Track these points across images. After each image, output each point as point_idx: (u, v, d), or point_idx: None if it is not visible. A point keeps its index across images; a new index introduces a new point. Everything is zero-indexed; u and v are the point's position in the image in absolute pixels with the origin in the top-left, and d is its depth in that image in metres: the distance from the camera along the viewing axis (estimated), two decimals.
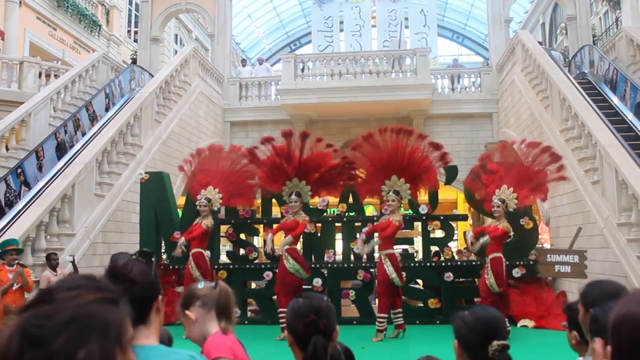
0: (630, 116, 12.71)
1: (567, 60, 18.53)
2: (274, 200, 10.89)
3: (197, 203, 9.41)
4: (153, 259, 1.93)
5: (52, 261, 9.40)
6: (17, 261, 8.50)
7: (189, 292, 2.35)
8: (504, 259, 8.72)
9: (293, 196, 9.05)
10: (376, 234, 9.02)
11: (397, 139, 9.11)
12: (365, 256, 10.35)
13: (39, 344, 0.93)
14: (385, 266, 8.59)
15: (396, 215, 8.78)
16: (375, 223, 9.58)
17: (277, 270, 10.02)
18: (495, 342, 2.31)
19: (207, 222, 9.25)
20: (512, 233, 9.66)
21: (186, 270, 9.24)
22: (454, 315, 2.42)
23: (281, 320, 8.49)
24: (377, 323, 8.61)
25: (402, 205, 9.28)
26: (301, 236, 9.54)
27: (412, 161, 9.14)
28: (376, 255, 9.63)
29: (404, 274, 8.97)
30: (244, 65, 21.52)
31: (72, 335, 0.95)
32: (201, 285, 2.30)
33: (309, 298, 2.38)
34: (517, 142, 9.96)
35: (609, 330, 1.47)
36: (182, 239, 9.41)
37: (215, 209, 9.51)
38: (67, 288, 1.04)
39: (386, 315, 8.65)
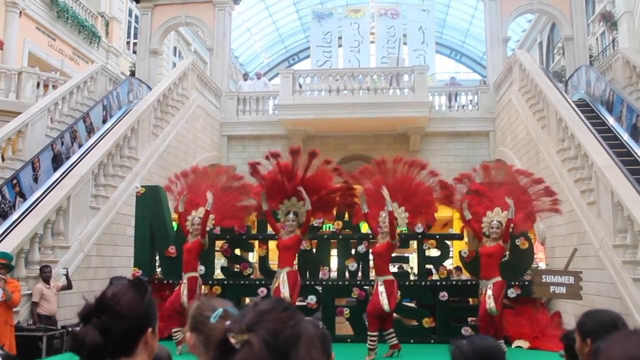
0: (626, 137, 12.76)
1: (563, 80, 18.63)
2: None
3: (189, 223, 9.29)
4: (149, 288, 1.86)
5: (44, 274, 9.37)
6: (1, 276, 8.31)
7: (199, 317, 2.21)
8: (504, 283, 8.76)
9: (290, 215, 8.98)
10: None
11: (408, 170, 9.16)
12: (360, 273, 10.34)
13: (284, 356, 1.27)
14: (379, 292, 8.54)
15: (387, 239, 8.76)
16: (371, 240, 9.56)
17: (270, 286, 10.02)
18: None
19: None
20: (507, 252, 9.67)
21: (177, 289, 9.15)
22: (451, 344, 2.42)
23: None
24: (368, 342, 8.57)
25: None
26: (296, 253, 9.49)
27: (416, 193, 9.18)
28: (372, 273, 9.61)
29: (398, 294, 8.92)
30: (245, 80, 21.57)
31: (305, 348, 1.31)
32: (214, 318, 2.12)
33: None
34: (510, 165, 10.02)
35: None
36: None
37: (208, 229, 9.43)
38: (282, 309, 1.36)
39: (376, 334, 8.61)
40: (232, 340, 1.32)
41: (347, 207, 9.79)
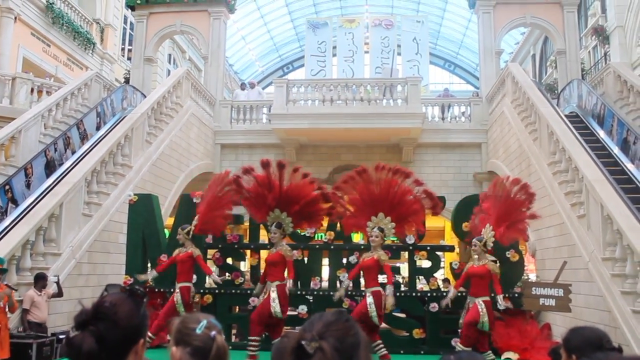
0: (616, 150, 12.86)
1: (556, 92, 18.78)
2: (261, 226, 10.88)
3: (180, 235, 9.33)
4: (145, 300, 1.90)
5: (45, 281, 9.40)
6: (5, 282, 8.54)
7: (184, 330, 2.24)
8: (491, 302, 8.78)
9: (273, 227, 8.98)
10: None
11: (392, 178, 9.11)
12: (351, 284, 10.34)
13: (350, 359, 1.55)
14: (367, 303, 8.54)
15: (378, 252, 8.75)
16: (362, 250, 9.57)
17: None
18: None
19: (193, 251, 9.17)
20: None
21: (172, 299, 9.13)
22: (440, 358, 2.45)
23: (249, 348, 8.54)
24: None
25: (384, 242, 9.22)
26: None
27: (402, 202, 9.10)
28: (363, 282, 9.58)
29: (391, 305, 8.93)
30: (242, 89, 21.61)
31: (365, 351, 1.59)
32: (200, 329, 2.15)
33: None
34: (505, 177, 9.96)
35: None
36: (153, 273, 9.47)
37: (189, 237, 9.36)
38: (345, 320, 1.63)
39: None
40: (307, 347, 1.52)
41: (327, 215, 9.76)
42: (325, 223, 10.53)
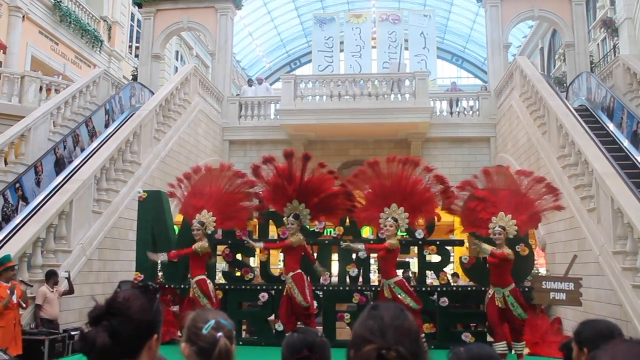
0: (626, 143, 12.80)
1: (564, 86, 18.68)
2: (270, 221, 10.90)
3: (192, 227, 9.39)
4: (158, 295, 1.91)
5: (56, 278, 9.48)
6: (20, 279, 8.65)
7: (193, 329, 2.26)
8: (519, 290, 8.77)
9: (290, 218, 9.07)
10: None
11: (403, 169, 9.13)
12: (361, 279, 10.36)
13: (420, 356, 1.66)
14: (397, 294, 8.58)
15: (392, 240, 8.77)
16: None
17: (273, 292, 10.05)
18: None
19: (197, 245, 9.21)
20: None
21: (189, 296, 9.18)
22: (449, 351, 2.46)
23: None
24: None
25: (398, 231, 9.27)
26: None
27: (414, 191, 9.12)
28: (373, 277, 9.61)
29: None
30: (250, 85, 21.62)
31: (418, 344, 1.67)
32: (206, 330, 2.17)
33: (303, 333, 2.40)
34: (510, 169, 9.94)
35: None
36: (164, 256, 9.46)
37: (209, 232, 9.47)
38: (403, 313, 1.72)
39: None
40: (388, 357, 1.60)
41: (347, 211, 9.82)
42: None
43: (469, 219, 9.37)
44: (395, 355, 1.61)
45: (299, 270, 8.98)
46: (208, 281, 9.23)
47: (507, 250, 8.68)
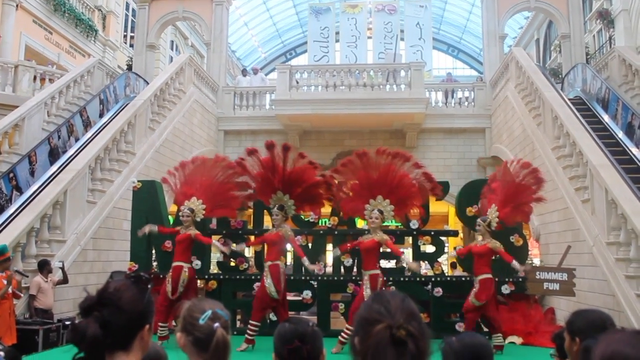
0: (621, 135, 12.82)
1: (560, 77, 18.68)
2: (265, 211, 10.89)
3: (179, 213, 9.38)
4: (150, 286, 1.90)
5: (50, 267, 9.47)
6: (15, 269, 8.64)
7: (189, 319, 2.25)
8: (494, 280, 8.86)
9: (275, 209, 9.08)
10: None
11: (392, 161, 9.12)
12: (355, 269, 10.40)
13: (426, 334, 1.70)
14: (364, 286, 8.62)
15: (377, 235, 8.79)
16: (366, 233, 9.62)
17: None
18: None
19: (192, 232, 9.22)
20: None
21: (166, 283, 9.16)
22: (442, 341, 2.47)
23: (248, 332, 8.68)
24: (341, 335, 8.53)
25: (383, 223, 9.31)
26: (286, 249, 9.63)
27: (401, 185, 9.13)
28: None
29: (392, 289, 9.00)
30: (244, 75, 21.56)
31: (424, 326, 1.71)
32: (203, 320, 2.16)
33: (295, 323, 2.40)
34: (514, 161, 9.99)
35: None
36: (155, 227, 9.46)
37: (198, 219, 9.46)
38: (405, 296, 1.79)
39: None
40: (398, 335, 1.62)
41: (327, 200, 9.86)
42: (329, 208, 10.58)
43: (482, 211, 9.55)
44: (406, 333, 1.63)
45: (278, 262, 8.99)
46: (186, 271, 9.22)
47: (489, 243, 8.83)
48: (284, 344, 2.32)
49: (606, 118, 13.68)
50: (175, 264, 9.10)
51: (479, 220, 9.03)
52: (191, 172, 9.74)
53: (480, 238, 9.11)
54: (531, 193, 9.37)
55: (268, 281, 8.75)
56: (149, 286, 1.88)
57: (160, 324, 8.75)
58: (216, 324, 2.15)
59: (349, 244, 9.52)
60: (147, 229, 9.46)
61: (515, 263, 8.78)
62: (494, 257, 9.09)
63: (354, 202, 9.30)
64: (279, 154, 9.12)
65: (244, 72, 22.07)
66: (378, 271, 8.75)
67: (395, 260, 10.95)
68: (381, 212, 8.86)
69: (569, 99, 14.39)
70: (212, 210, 9.62)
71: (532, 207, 9.64)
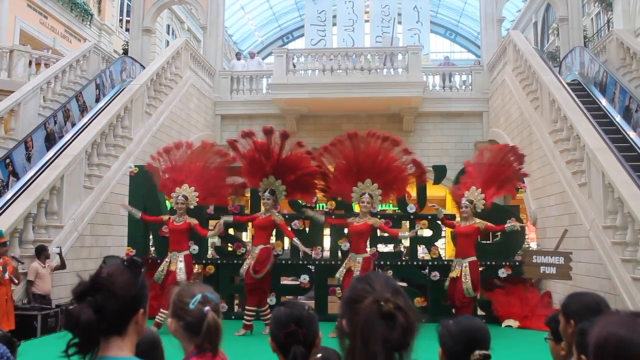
0: (618, 118, 12.81)
1: (558, 60, 18.62)
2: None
3: (173, 201, 9.39)
4: (143, 270, 1.89)
5: (47, 253, 9.47)
6: (12, 255, 8.65)
7: (179, 304, 2.25)
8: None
9: (267, 193, 9.12)
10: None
11: (382, 145, 9.13)
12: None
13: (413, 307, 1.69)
14: (355, 270, 8.66)
15: (370, 219, 8.89)
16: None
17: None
18: (477, 352, 2.37)
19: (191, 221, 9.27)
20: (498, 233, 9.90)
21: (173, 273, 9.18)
22: (439, 324, 2.48)
23: (245, 317, 8.87)
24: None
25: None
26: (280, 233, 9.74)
27: (389, 168, 9.18)
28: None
29: (390, 273, 9.09)
30: (238, 59, 21.46)
31: (410, 301, 1.68)
32: (193, 304, 2.16)
33: (290, 307, 2.40)
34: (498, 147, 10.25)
35: (590, 348, 1.52)
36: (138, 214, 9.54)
37: (192, 207, 9.48)
38: (389, 277, 1.80)
39: None
40: (387, 308, 1.62)
41: (321, 191, 9.92)
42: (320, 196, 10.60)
43: (455, 194, 9.71)
44: (394, 306, 1.62)
45: (269, 245, 9.12)
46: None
47: (475, 224, 9.03)
48: (280, 327, 2.32)
49: (604, 102, 13.66)
50: (186, 252, 9.21)
51: (465, 202, 9.19)
52: (179, 158, 9.71)
53: (459, 219, 9.32)
54: (514, 170, 9.63)
55: (252, 262, 8.87)
56: (143, 270, 1.87)
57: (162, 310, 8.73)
58: (207, 308, 2.15)
59: (334, 221, 9.62)
60: (129, 209, 9.51)
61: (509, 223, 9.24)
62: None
63: (340, 184, 9.33)
64: (276, 140, 9.13)
65: (238, 56, 21.96)
66: (369, 254, 8.86)
67: (392, 245, 11.00)
68: (371, 196, 8.93)
69: (567, 83, 14.36)
70: (205, 198, 9.62)
71: (518, 183, 10.04)
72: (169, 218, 9.37)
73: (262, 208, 9.38)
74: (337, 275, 9.19)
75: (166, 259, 9.22)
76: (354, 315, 1.64)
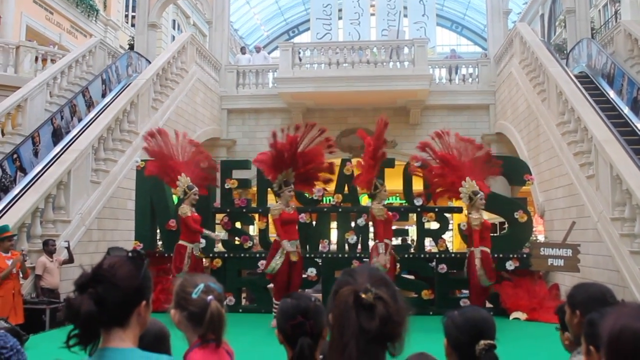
0: (626, 110, 12.74)
1: (565, 52, 18.52)
2: (269, 189, 10.88)
3: (179, 188, 9.38)
4: (145, 261, 1.89)
5: (50, 247, 9.49)
6: (22, 249, 8.68)
7: (182, 294, 2.24)
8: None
9: (290, 186, 9.05)
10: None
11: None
12: (359, 246, 10.51)
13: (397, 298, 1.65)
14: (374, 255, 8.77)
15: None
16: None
17: None
18: (482, 342, 2.36)
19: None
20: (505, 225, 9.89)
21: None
22: (444, 315, 2.47)
23: (274, 311, 8.78)
24: None
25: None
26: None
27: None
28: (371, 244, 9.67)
29: (398, 266, 9.12)
30: (243, 53, 21.45)
31: (395, 291, 1.67)
32: (196, 294, 2.14)
33: (297, 299, 2.40)
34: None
35: (603, 341, 1.50)
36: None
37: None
38: (377, 270, 1.77)
39: None
40: (366, 298, 1.59)
41: (324, 183, 9.93)
42: (333, 186, 10.57)
43: (439, 184, 9.67)
44: (373, 296, 1.60)
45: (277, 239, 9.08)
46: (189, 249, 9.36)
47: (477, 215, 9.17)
48: (286, 319, 2.32)
49: (611, 93, 13.59)
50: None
51: (482, 194, 9.13)
52: (166, 147, 9.79)
53: (474, 213, 9.27)
54: (484, 160, 9.75)
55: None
56: (145, 262, 1.87)
57: None
58: (209, 297, 2.14)
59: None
60: (205, 232, 9.52)
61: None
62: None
63: (368, 175, 9.33)
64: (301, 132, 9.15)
65: (243, 50, 21.94)
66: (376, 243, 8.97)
67: (401, 238, 11.02)
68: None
69: (574, 75, 14.28)
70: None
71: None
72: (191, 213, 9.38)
73: (284, 201, 9.02)
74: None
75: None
76: (334, 307, 1.64)
